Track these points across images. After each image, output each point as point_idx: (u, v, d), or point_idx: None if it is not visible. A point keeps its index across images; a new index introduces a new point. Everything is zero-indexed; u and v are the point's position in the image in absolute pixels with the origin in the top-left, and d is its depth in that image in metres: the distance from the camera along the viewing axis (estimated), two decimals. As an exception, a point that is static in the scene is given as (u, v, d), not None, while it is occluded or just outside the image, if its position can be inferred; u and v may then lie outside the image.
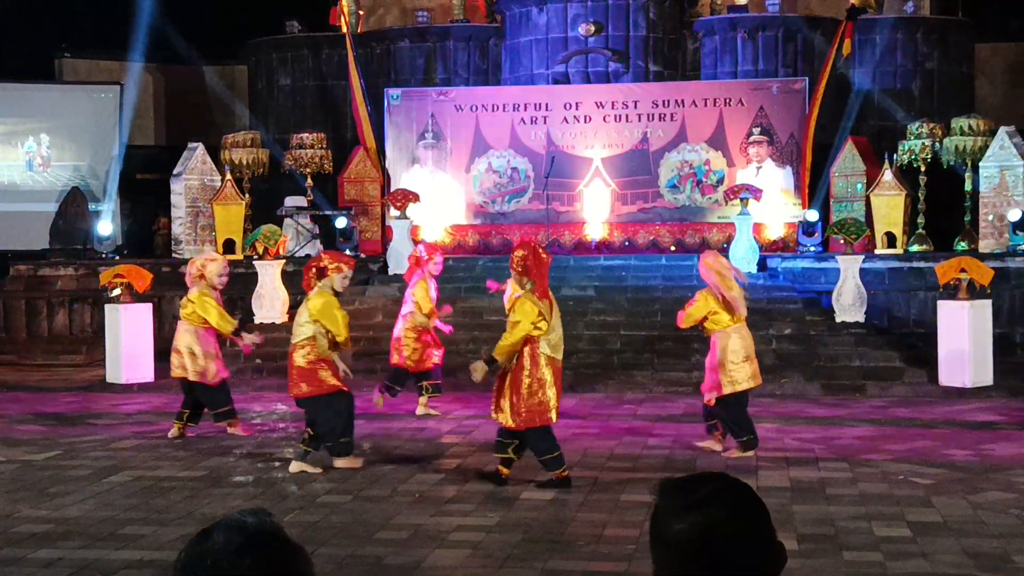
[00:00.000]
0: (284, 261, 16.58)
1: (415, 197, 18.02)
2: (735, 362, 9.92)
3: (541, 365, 8.75)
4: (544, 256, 8.92)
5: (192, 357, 11.00)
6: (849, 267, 15.33)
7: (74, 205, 19.61)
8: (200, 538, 1.83)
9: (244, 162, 19.51)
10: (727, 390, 9.91)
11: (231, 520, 1.84)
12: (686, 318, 10.12)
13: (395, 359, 12.35)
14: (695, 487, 2.00)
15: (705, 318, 10.06)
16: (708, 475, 2.05)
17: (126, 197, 21.58)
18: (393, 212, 18.16)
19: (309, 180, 19.65)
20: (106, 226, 19.22)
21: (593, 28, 19.77)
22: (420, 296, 12.23)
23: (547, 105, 19.44)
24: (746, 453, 9.92)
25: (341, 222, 18.27)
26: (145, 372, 15.02)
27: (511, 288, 9.51)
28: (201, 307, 11.02)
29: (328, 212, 18.90)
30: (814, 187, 18.67)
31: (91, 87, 22.18)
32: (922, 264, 16.05)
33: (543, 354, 8.75)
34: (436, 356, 12.36)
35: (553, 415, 8.83)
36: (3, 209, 21.15)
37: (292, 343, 9.64)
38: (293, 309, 16.38)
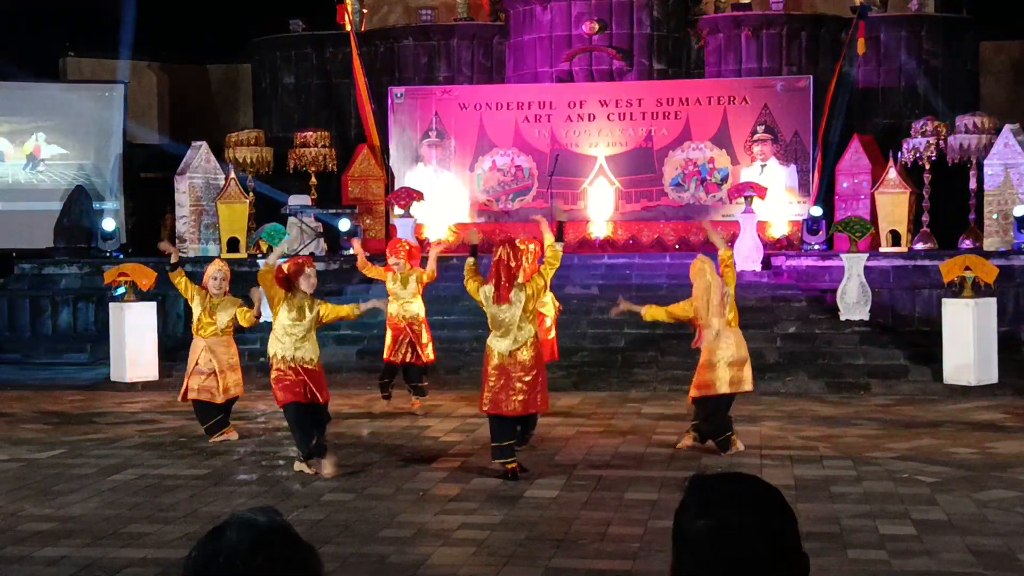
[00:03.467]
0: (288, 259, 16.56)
1: (419, 195, 18.03)
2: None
3: (486, 354, 9.33)
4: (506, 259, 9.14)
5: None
6: (853, 265, 15.32)
7: (78, 204, 19.64)
8: (211, 536, 1.83)
9: (248, 160, 19.52)
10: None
11: (242, 518, 1.84)
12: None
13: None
14: (719, 486, 1.97)
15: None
16: (735, 475, 2.00)
17: (130, 195, 21.60)
18: (397, 211, 18.17)
19: (313, 179, 19.66)
20: (110, 224, 19.24)
21: (597, 26, 19.75)
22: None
23: (551, 103, 19.42)
24: (731, 451, 9.98)
25: (344, 222, 18.25)
26: (149, 370, 15.02)
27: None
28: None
29: (332, 210, 18.90)
30: (820, 185, 18.64)
31: (95, 86, 22.19)
32: (927, 262, 16.03)
33: (488, 344, 9.30)
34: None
35: (500, 407, 9.21)
36: (8, 208, 21.17)
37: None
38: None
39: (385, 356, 12.51)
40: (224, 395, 10.85)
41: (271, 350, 9.51)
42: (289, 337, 9.33)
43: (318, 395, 9.41)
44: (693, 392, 10.07)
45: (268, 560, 1.78)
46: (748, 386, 10.14)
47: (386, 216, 19.42)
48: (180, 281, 10.94)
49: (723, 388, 9.91)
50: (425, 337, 12.30)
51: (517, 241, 9.85)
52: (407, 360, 12.28)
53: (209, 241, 18.85)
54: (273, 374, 9.48)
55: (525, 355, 9.08)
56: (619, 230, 19.19)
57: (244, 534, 1.80)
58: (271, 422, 12.04)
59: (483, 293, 9.17)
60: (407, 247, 12.66)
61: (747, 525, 1.91)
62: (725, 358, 9.93)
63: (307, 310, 9.39)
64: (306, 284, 9.40)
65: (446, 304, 16.44)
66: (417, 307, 12.30)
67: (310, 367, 9.40)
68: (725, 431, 9.99)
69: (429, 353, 12.33)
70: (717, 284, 9.92)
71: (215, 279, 10.93)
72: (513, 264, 9.06)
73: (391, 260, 12.42)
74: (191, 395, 10.89)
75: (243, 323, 10.84)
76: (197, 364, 10.88)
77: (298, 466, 9.42)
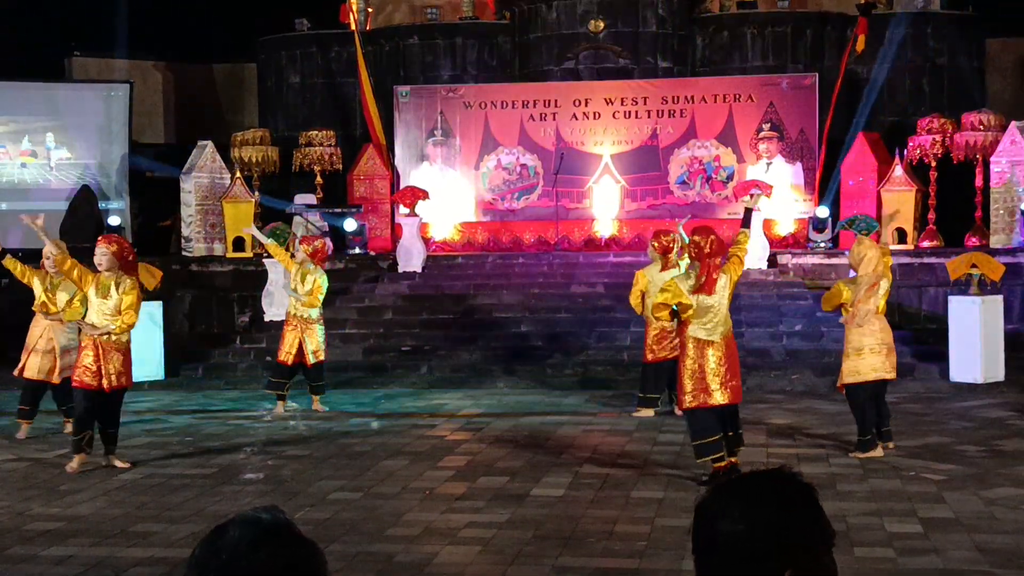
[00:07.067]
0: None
1: (424, 194, 18.03)
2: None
3: (688, 348, 8.79)
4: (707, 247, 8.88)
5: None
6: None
7: (84, 203, 19.63)
8: (215, 534, 1.84)
9: (253, 160, 19.52)
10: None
11: (246, 516, 1.85)
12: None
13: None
14: (744, 486, 1.92)
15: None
16: (758, 474, 1.95)
17: (136, 195, 21.61)
18: (402, 210, 18.17)
19: (319, 178, 19.66)
20: (116, 223, 19.23)
21: (602, 24, 19.74)
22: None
23: (556, 102, 19.42)
24: (865, 454, 9.67)
25: (350, 222, 18.25)
26: (155, 370, 15.05)
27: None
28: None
29: (337, 210, 18.89)
30: (826, 183, 18.62)
31: (101, 85, 22.18)
32: (933, 260, 16.01)
33: (692, 337, 8.78)
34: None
35: (713, 397, 8.76)
36: (13, 207, 21.17)
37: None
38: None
39: (278, 357, 12.53)
40: (60, 375, 10.95)
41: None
42: (99, 316, 9.45)
43: (103, 381, 9.47)
44: (843, 379, 9.81)
45: (270, 557, 1.78)
46: (893, 374, 9.88)
47: (391, 215, 19.42)
48: (13, 265, 10.97)
49: (869, 375, 9.67)
50: (314, 342, 12.25)
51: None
52: (296, 361, 12.27)
53: (215, 240, 18.85)
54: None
55: (726, 348, 8.83)
56: (624, 228, 19.18)
57: (246, 531, 1.80)
58: (275, 421, 12.05)
59: (683, 286, 8.81)
60: (319, 247, 12.57)
61: (763, 524, 1.85)
62: (874, 344, 9.71)
63: (114, 289, 9.43)
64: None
65: (449, 303, 16.46)
66: (311, 309, 12.23)
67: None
68: (867, 431, 9.72)
69: (313, 356, 12.25)
70: (881, 269, 9.76)
71: (47, 259, 10.91)
72: (714, 249, 8.83)
73: (298, 250, 12.45)
74: (28, 373, 11.09)
75: (68, 316, 10.82)
76: (37, 343, 11.08)
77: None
